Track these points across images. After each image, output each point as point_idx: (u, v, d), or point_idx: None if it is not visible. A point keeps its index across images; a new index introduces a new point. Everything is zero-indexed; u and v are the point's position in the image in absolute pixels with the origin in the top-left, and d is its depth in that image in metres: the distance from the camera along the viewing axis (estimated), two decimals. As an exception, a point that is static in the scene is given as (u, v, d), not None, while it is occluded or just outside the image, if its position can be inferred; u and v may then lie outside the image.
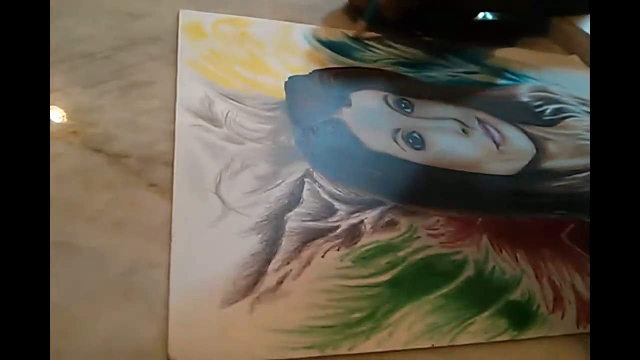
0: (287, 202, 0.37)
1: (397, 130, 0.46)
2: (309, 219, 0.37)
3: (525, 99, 0.56)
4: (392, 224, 0.38)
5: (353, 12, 0.61)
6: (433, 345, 0.32)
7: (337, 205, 0.38)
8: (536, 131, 0.52)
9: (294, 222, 0.36)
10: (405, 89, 0.52)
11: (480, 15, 0.69)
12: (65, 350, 0.27)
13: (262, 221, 0.35)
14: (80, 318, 0.29)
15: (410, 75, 0.54)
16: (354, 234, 0.37)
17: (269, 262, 0.33)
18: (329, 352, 0.30)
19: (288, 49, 0.52)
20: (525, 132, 0.51)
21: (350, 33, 0.58)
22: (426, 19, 0.63)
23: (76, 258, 0.31)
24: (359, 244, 0.36)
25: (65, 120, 0.39)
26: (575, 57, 0.66)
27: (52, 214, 0.32)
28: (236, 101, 0.44)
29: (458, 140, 0.48)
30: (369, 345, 0.31)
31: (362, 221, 0.38)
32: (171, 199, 0.35)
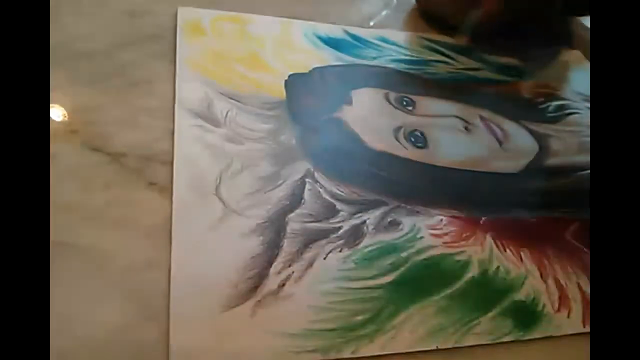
0: (288, 202, 0.37)
1: (399, 128, 0.45)
2: (310, 219, 0.36)
3: (528, 95, 0.56)
4: (394, 224, 0.38)
5: (435, 22, 0.62)
6: (437, 347, 0.32)
7: (338, 205, 0.38)
8: (539, 128, 0.51)
9: (295, 223, 0.36)
10: (406, 86, 0.51)
11: None
12: (66, 349, 0.27)
13: (262, 222, 0.35)
14: (80, 318, 0.28)
15: (411, 72, 0.54)
16: (356, 234, 0.36)
17: (270, 264, 0.33)
18: (332, 355, 0.30)
19: (288, 46, 0.51)
20: (528, 129, 0.51)
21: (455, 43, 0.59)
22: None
23: (76, 258, 0.31)
24: (361, 245, 0.36)
25: (65, 118, 0.39)
26: (577, 53, 0.66)
27: (52, 213, 0.31)
28: (235, 100, 0.43)
29: (460, 138, 0.47)
30: (372, 348, 0.30)
31: (364, 221, 0.37)
32: (170, 197, 0.35)
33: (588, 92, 0.58)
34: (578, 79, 0.60)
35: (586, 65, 0.63)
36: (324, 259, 0.34)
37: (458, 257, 0.37)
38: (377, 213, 0.38)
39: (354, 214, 0.37)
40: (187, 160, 0.37)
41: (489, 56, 0.60)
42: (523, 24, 0.64)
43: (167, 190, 0.35)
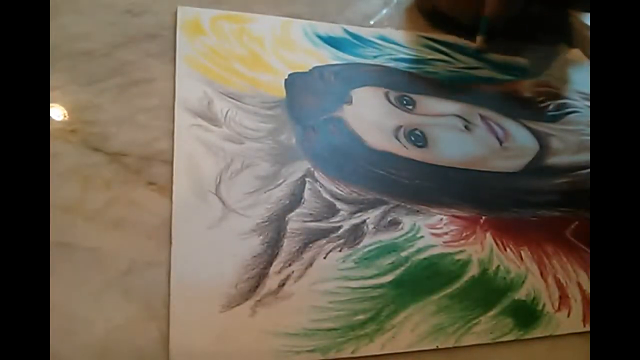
0: (288, 202, 0.37)
1: (399, 128, 0.45)
2: (310, 219, 0.36)
3: (528, 94, 0.56)
4: (394, 224, 0.38)
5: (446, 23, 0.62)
6: (437, 346, 0.32)
7: (338, 204, 0.38)
8: (539, 127, 0.51)
9: (295, 222, 0.36)
10: (406, 85, 0.51)
11: None
12: (65, 350, 0.27)
13: (262, 222, 0.35)
14: (80, 318, 0.29)
15: (411, 71, 0.54)
16: (356, 234, 0.36)
17: (270, 263, 0.33)
18: (332, 355, 0.30)
19: (288, 46, 0.51)
20: (528, 128, 0.51)
21: (474, 46, 0.59)
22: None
23: (76, 258, 0.31)
24: (361, 244, 0.36)
25: (64, 118, 0.39)
26: (577, 51, 0.65)
27: (52, 213, 0.32)
28: (235, 99, 0.43)
29: (460, 137, 0.47)
30: (372, 348, 0.30)
31: (364, 221, 0.37)
32: (170, 197, 0.35)
33: (588, 91, 0.58)
34: (578, 78, 0.60)
35: (586, 64, 0.63)
36: (324, 258, 0.34)
37: (458, 257, 0.37)
38: (377, 212, 0.38)
39: (354, 213, 0.37)
40: (187, 159, 0.37)
41: (497, 56, 0.60)
42: (526, 20, 0.64)
43: (167, 190, 0.35)
